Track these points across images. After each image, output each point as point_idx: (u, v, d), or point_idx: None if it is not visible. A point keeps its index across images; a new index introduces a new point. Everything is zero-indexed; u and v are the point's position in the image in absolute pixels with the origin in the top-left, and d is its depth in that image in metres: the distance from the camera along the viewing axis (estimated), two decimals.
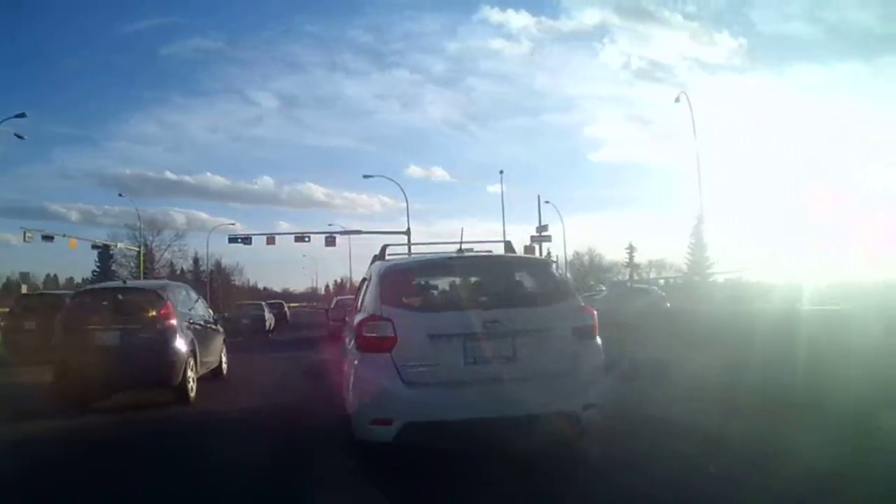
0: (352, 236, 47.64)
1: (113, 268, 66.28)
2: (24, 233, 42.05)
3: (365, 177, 47.43)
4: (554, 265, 6.14)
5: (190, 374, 8.92)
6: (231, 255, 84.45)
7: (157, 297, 9.06)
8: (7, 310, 18.85)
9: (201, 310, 10.75)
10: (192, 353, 9.06)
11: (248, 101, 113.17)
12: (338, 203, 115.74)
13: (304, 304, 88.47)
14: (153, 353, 8.42)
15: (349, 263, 63.63)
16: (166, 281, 12.00)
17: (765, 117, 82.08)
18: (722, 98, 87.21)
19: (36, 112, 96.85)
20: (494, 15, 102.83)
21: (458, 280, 5.90)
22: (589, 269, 70.94)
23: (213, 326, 11.11)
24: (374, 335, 4.89)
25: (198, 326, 9.84)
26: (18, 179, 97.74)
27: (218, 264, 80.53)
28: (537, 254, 34.02)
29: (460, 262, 5.75)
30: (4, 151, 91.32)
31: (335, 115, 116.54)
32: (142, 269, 54.73)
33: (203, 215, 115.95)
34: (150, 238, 67.66)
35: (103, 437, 6.74)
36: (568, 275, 55.49)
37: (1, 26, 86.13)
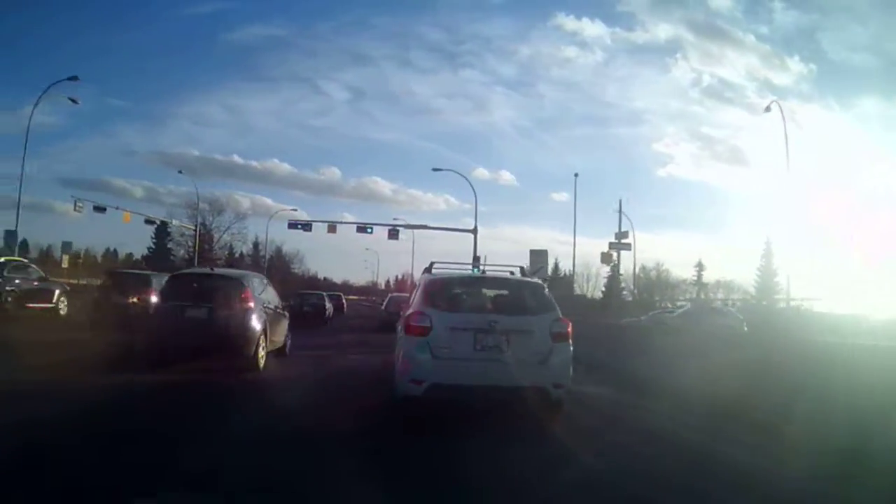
0: (416, 232, 48.37)
1: (169, 246, 67.28)
2: (75, 202, 41.52)
3: (434, 170, 44.54)
4: (545, 287, 7.81)
5: (261, 349, 10.81)
6: (293, 243, 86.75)
7: (239, 284, 11.00)
8: (99, 283, 21.56)
9: (272, 296, 12.64)
10: (264, 331, 10.89)
11: (317, 91, 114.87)
12: (402, 199, 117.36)
13: (362, 297, 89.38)
14: (234, 329, 10.30)
15: (411, 260, 64.63)
16: (245, 271, 13.93)
17: (831, 146, 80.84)
18: (791, 124, 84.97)
19: (102, 87, 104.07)
20: (569, 23, 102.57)
21: (476, 291, 7.99)
22: (655, 285, 70.57)
23: (281, 311, 13.03)
24: (417, 324, 6.95)
25: (269, 310, 11.72)
26: (82, 152, 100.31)
27: (278, 250, 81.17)
28: (614, 259, 34.98)
29: (479, 280, 8.24)
30: (68, 124, 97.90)
31: (403, 110, 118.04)
32: (197, 248, 54.85)
33: (268, 201, 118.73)
34: (210, 219, 67.02)
35: (187, 388, 8.63)
36: (634, 289, 56.12)
37: (71, 6, 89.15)
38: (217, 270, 12.85)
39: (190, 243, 62.07)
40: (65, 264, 45.25)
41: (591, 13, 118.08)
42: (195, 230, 55.75)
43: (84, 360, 10.48)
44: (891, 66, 71.01)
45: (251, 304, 10.72)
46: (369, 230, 43.10)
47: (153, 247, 68.24)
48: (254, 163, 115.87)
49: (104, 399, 7.46)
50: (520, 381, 6.61)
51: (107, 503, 3.96)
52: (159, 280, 17.07)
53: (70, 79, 30.77)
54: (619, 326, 19.29)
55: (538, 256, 28.86)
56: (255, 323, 10.65)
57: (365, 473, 4.74)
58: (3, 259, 18.82)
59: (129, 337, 11.97)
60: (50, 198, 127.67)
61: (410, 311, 7.39)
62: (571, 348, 7.04)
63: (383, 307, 28.61)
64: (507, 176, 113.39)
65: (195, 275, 12.69)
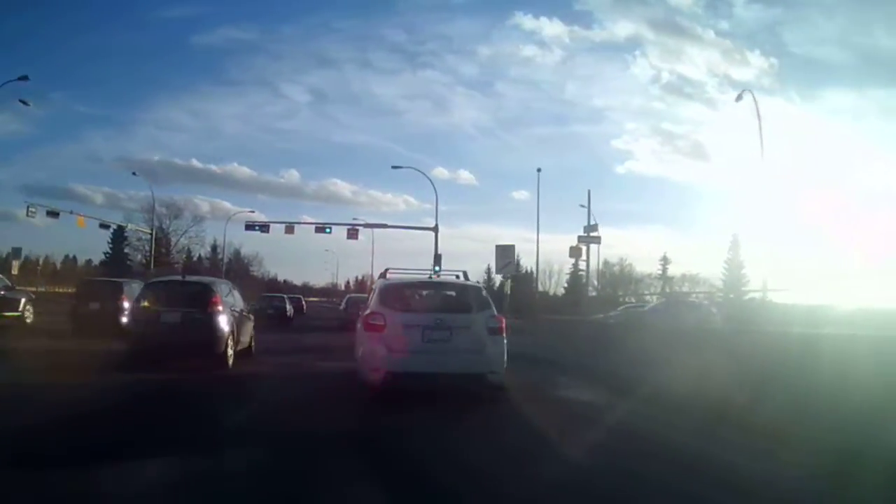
0: (376, 232, 47.62)
1: (126, 251, 66.81)
2: (28, 208, 40.68)
3: (393, 167, 45.63)
4: (482, 290, 9.20)
5: (230, 348, 11.83)
6: (251, 245, 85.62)
7: (208, 290, 12.04)
8: (74, 290, 22.13)
9: (238, 301, 13.65)
10: (232, 332, 11.94)
11: (278, 94, 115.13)
12: (363, 200, 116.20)
13: (322, 298, 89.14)
14: (205, 330, 11.34)
15: (371, 260, 66.66)
16: (214, 278, 14.85)
17: (793, 139, 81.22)
18: (750, 117, 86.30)
19: (66, 93, 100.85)
20: (528, 22, 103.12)
21: (424, 293, 9.42)
22: (619, 280, 70.33)
23: (247, 314, 14.03)
24: (373, 323, 8.18)
25: (236, 313, 12.74)
26: (48, 159, 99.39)
27: (237, 253, 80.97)
28: (584, 255, 35.33)
29: (426, 284, 9.62)
30: (33, 131, 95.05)
31: (364, 112, 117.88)
32: (153, 252, 54.18)
33: (227, 205, 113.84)
34: (167, 222, 66.99)
35: (167, 384, 9.66)
36: (598, 285, 52.43)
37: (32, 5, 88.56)
38: (189, 278, 13.76)
39: (147, 247, 61.32)
40: (15, 271, 44.47)
41: (550, 12, 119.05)
42: (151, 234, 55.16)
43: (76, 364, 11.52)
44: (857, 58, 73.04)
45: (220, 308, 11.76)
46: (328, 230, 43.18)
47: (109, 252, 67.79)
48: (213, 167, 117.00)
49: (116, 393, 8.62)
50: (461, 369, 7.99)
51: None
52: (130, 287, 17.91)
53: (20, 79, 30.01)
54: (592, 324, 19.61)
55: (505, 252, 26.98)
56: (224, 325, 11.69)
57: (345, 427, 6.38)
58: None
59: (108, 342, 12.95)
60: (14, 206, 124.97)
61: (368, 311, 8.71)
62: (505, 341, 8.38)
63: (342, 307, 29.77)
64: (465, 175, 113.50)
65: (170, 282, 13.63)
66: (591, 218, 35.03)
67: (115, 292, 17.93)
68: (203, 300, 11.80)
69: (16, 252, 46.90)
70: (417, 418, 7.18)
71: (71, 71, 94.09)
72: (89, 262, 75.84)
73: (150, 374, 10.23)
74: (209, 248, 74.29)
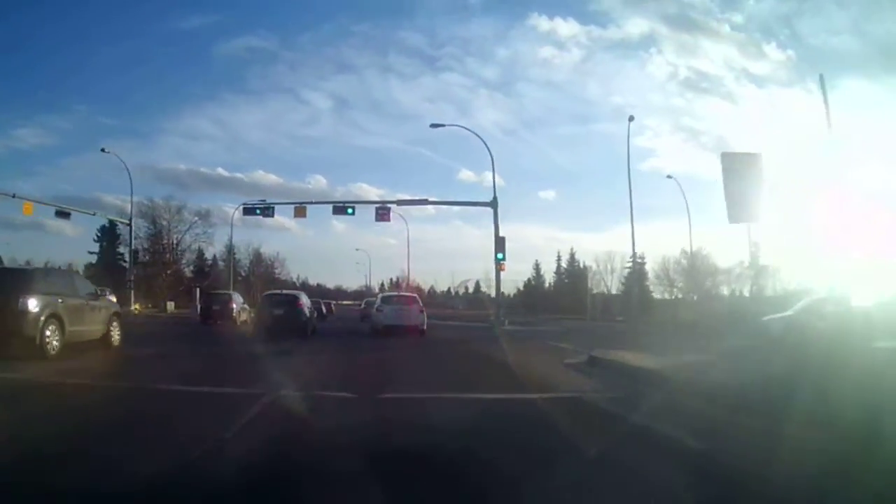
0: (410, 233, 48.19)
1: (120, 250, 61.73)
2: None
3: (433, 126, 37.11)
4: (416, 296, 22.66)
5: (309, 328, 24.32)
6: (273, 244, 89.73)
7: (296, 297, 24.70)
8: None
9: (307, 301, 26.26)
10: (312, 318, 24.60)
11: (300, 101, 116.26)
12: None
13: (357, 302, 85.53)
14: (301, 319, 23.80)
15: (407, 264, 61.77)
16: (300, 291, 27.61)
17: (813, 130, 74.58)
18: (770, 110, 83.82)
19: (90, 105, 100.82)
20: (543, 23, 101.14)
21: (395, 297, 23.80)
22: (701, 273, 59.69)
23: (313, 310, 26.77)
24: (378, 309, 22.82)
25: (310, 308, 25.32)
26: (70, 170, 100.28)
27: (257, 253, 78.32)
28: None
29: (393, 294, 24.25)
30: (60, 142, 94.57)
31: (387, 116, 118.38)
32: (132, 244, 48.81)
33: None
34: (165, 216, 62.54)
35: (287, 349, 17.87)
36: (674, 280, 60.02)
37: (54, 16, 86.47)
38: (284, 291, 26.75)
39: (145, 246, 59.72)
40: None
41: (564, 13, 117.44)
42: (129, 225, 47.44)
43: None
44: (871, 47, 66.84)
45: (304, 306, 24.35)
46: (350, 210, 36.95)
47: (97, 253, 64.01)
48: (240, 175, 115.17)
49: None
50: (409, 323, 21.59)
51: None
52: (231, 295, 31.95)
53: None
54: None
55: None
56: (309, 315, 24.22)
57: (361, 342, 19.15)
58: None
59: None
60: (43, 217, 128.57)
61: (376, 305, 22.80)
62: (424, 314, 22.13)
63: (362, 306, 43.28)
64: (490, 177, 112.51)
65: (275, 294, 26.49)
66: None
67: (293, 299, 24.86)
68: (293, 301, 24.36)
69: None
70: (393, 340, 20.14)
71: (95, 83, 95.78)
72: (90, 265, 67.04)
73: (264, 346, 22.98)
74: (224, 248, 66.72)
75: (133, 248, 48.93)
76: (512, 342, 19.09)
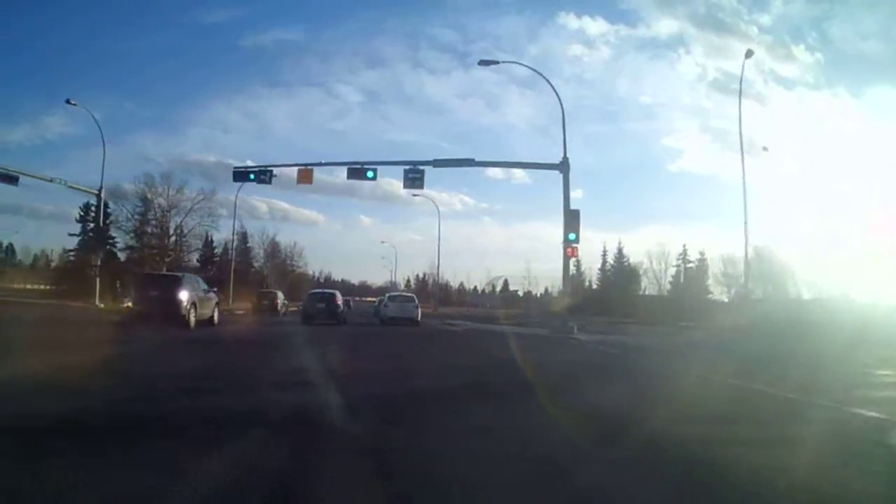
0: (440, 229, 49.48)
1: (111, 232, 53.65)
2: None
3: (481, 63, 33.61)
4: (414, 297, 33.51)
5: (344, 316, 34.87)
6: (290, 235, 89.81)
7: (334, 294, 34.90)
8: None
9: (341, 298, 36.84)
10: (344, 310, 35.01)
11: (330, 94, 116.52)
12: (418, 200, 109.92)
13: (377, 298, 75.80)
14: (338, 311, 33.73)
15: (437, 261, 65.20)
16: (335, 291, 38.20)
17: (841, 135, 77.37)
18: (799, 113, 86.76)
19: (120, 97, 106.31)
20: (571, 21, 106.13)
21: (397, 296, 35.25)
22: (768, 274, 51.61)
23: (345, 301, 37.56)
24: (386, 304, 33.95)
25: (343, 302, 35.96)
26: (100, 161, 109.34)
27: (273, 243, 74.05)
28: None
29: (397, 294, 35.99)
30: (85, 132, 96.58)
31: (417, 111, 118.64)
32: (101, 218, 44.83)
33: (284, 205, 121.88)
34: (160, 191, 54.31)
35: (284, 327, 32.02)
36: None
37: (89, 15, 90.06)
38: (325, 290, 37.74)
39: (138, 225, 54.15)
40: None
41: (592, 11, 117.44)
42: (98, 195, 41.18)
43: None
44: None
45: (338, 301, 34.68)
46: (370, 173, 30.56)
47: (79, 235, 56.56)
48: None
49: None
50: (408, 315, 31.95)
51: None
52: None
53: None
54: None
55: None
56: (341, 308, 34.59)
57: (372, 330, 30.08)
58: None
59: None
60: (69, 207, 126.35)
61: (385, 301, 34.05)
62: (419, 308, 32.75)
63: (377, 303, 53.84)
64: (519, 174, 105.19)
65: (317, 291, 37.39)
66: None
67: (331, 297, 32.86)
68: (331, 298, 34.74)
69: None
70: (396, 328, 30.34)
71: (126, 76, 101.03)
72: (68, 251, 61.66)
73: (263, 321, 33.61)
74: (236, 236, 61.54)
75: (102, 225, 44.66)
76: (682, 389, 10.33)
